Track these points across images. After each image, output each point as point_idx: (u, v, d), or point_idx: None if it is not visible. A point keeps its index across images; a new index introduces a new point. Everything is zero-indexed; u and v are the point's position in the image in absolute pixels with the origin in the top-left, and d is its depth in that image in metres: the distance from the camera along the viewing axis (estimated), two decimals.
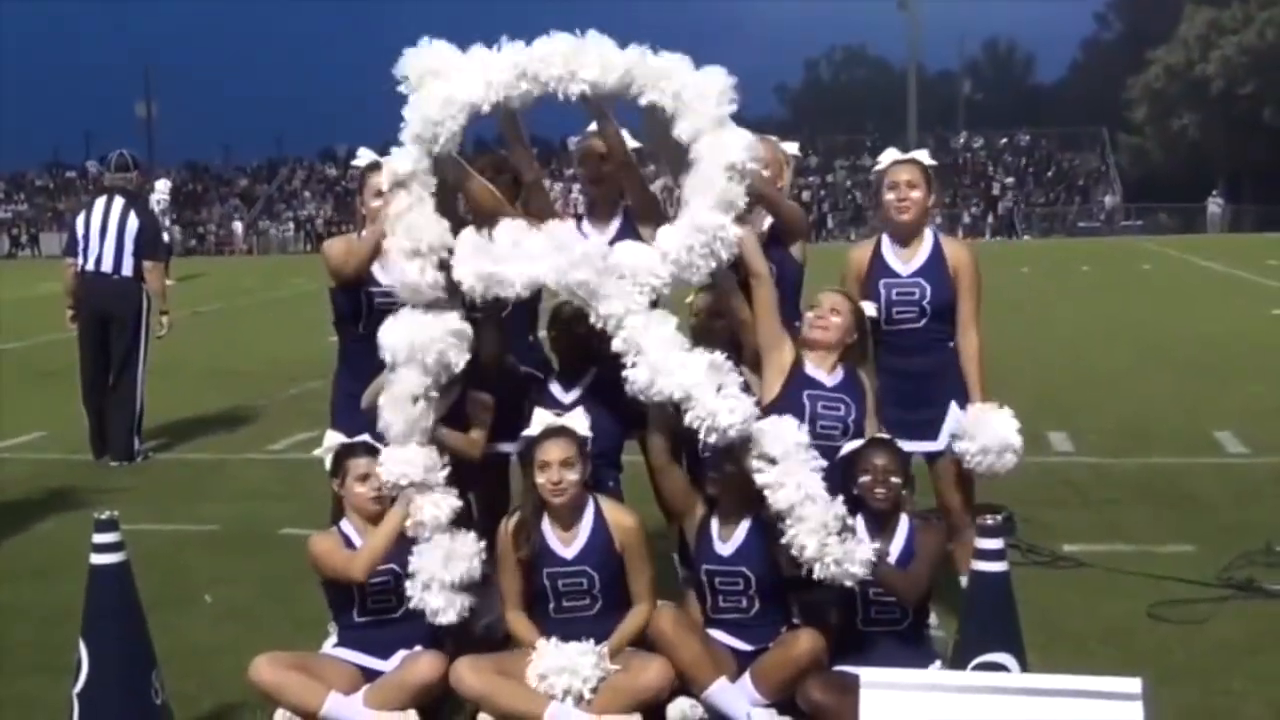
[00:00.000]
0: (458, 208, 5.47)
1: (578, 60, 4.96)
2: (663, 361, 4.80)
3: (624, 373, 4.87)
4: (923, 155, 5.83)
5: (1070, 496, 8.31)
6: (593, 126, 5.58)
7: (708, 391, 4.74)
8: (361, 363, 5.53)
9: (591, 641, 4.86)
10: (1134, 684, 3.66)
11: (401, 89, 5.07)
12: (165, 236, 30.43)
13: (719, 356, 4.83)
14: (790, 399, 5.17)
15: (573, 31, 5.03)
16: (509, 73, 4.99)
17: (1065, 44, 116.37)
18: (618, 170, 5.53)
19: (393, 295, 5.30)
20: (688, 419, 4.77)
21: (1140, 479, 8.83)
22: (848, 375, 5.32)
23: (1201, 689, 5.08)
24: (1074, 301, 21.85)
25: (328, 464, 5.26)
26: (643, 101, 5.04)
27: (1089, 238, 49.35)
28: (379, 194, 5.42)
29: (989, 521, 4.40)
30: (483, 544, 5.08)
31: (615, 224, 5.59)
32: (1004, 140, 64.10)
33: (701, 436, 4.78)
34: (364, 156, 5.73)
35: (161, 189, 32.17)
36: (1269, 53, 60.09)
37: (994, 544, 4.31)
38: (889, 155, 5.81)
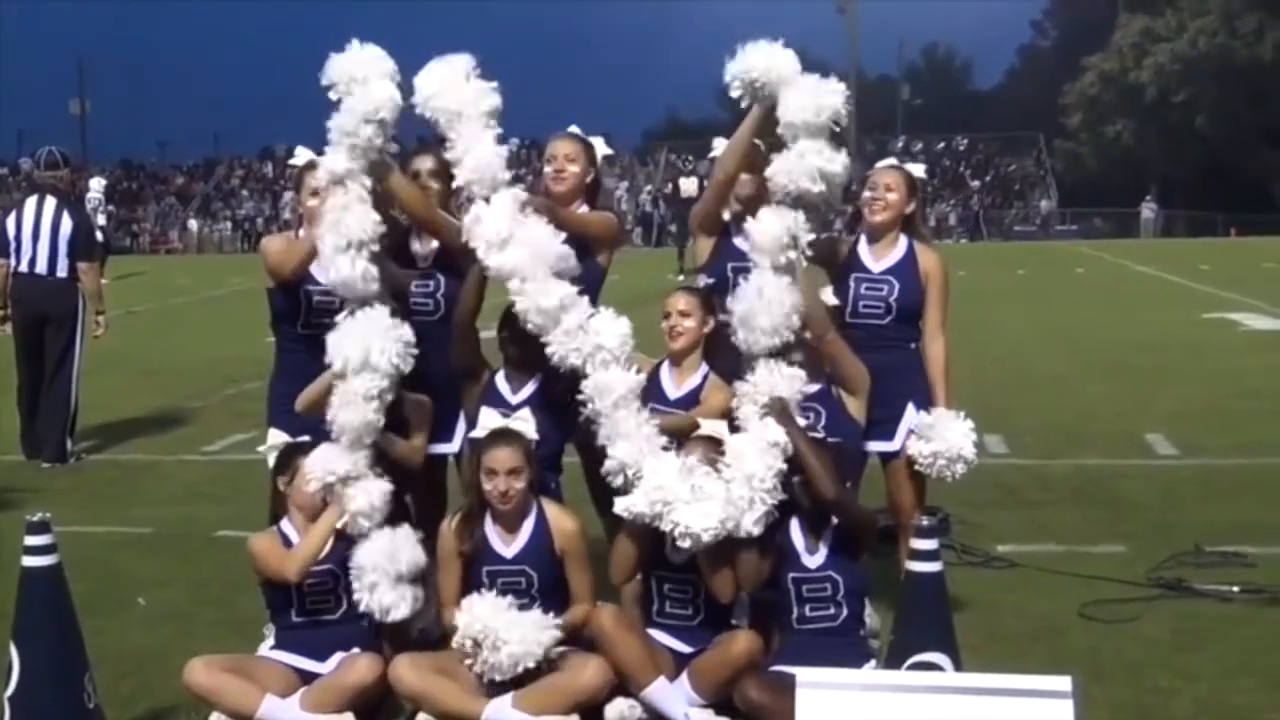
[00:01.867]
0: (393, 207, 5.47)
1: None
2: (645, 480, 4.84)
3: (619, 499, 4.88)
4: (914, 166, 5.96)
5: (1004, 498, 8.40)
6: (573, 128, 5.68)
7: (680, 501, 4.76)
8: (298, 363, 5.52)
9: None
10: (1065, 682, 3.71)
11: (330, 94, 5.14)
12: (100, 235, 30.15)
13: (690, 460, 4.87)
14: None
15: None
16: None
17: (1002, 51, 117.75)
18: (584, 174, 5.61)
19: (332, 294, 5.31)
20: (664, 527, 4.80)
21: (1073, 481, 8.95)
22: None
23: (1131, 686, 5.16)
24: (1010, 305, 22.05)
25: (270, 462, 5.24)
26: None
27: (1025, 242, 49.84)
28: (315, 193, 5.42)
29: (924, 522, 4.46)
30: (421, 533, 5.10)
31: None
32: (942, 145, 64.61)
33: (677, 543, 4.81)
34: (301, 155, 5.71)
35: (96, 187, 31.79)
36: (1201, 61, 60.94)
37: (929, 545, 4.36)
38: (884, 161, 5.99)
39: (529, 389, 5.43)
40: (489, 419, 5.06)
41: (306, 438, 5.18)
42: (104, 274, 28.22)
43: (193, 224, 57.10)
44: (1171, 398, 12.19)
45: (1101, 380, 13.47)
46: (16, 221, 10.10)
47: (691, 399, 5.37)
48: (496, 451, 4.93)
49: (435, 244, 5.64)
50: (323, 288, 5.53)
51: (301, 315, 5.69)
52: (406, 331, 5.11)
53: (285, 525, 5.13)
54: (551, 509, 5.09)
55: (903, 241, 5.82)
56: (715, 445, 4.97)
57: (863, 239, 5.85)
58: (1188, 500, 8.28)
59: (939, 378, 5.77)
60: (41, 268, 10.02)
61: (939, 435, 5.60)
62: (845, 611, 4.93)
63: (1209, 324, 18.72)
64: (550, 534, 5.02)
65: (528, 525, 5.02)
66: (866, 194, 5.84)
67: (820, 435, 5.12)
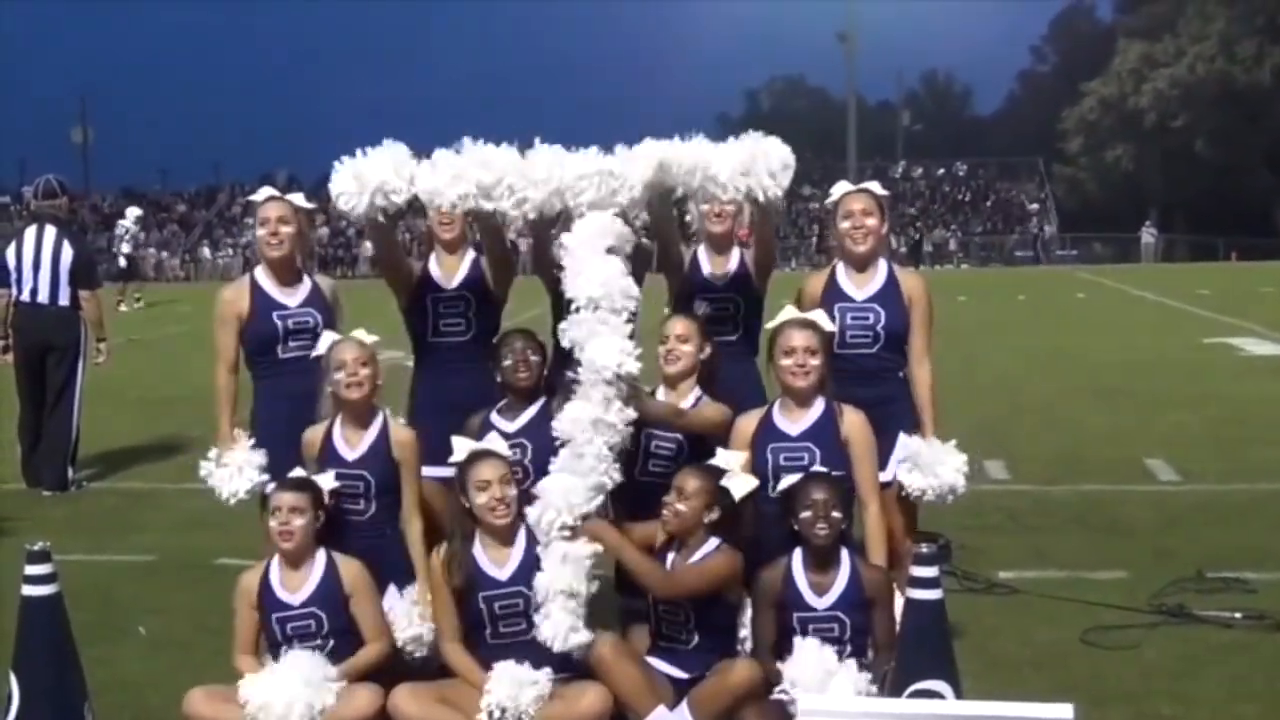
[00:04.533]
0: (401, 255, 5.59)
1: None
2: None
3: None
4: (874, 186, 5.89)
5: (1005, 524, 8.39)
6: None
7: None
8: (282, 386, 5.73)
9: (528, 665, 4.85)
10: (1066, 710, 3.71)
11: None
12: (124, 262, 30.60)
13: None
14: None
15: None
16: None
17: (1002, 76, 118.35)
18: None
19: (306, 315, 5.68)
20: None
21: (1074, 506, 8.93)
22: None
23: (1133, 713, 5.16)
24: (1010, 330, 22.08)
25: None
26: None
27: (1026, 267, 49.94)
28: (264, 224, 5.73)
29: (924, 549, 4.45)
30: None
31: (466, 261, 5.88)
32: (942, 171, 64.78)
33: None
34: (263, 193, 5.89)
35: (131, 216, 32.09)
36: (1200, 86, 61.15)
37: (929, 571, 4.35)
38: (841, 187, 5.89)
39: (525, 417, 5.49)
40: (464, 444, 5.11)
41: (298, 471, 5.22)
42: (136, 298, 28.34)
43: (205, 252, 57.16)
44: (1172, 423, 12.19)
45: (1102, 405, 13.46)
46: (17, 251, 10.13)
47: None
48: (483, 465, 4.98)
49: (462, 268, 5.82)
50: (293, 311, 5.74)
51: (281, 340, 5.77)
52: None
53: (273, 565, 5.15)
54: None
55: (882, 265, 5.78)
56: (712, 474, 4.99)
57: (840, 268, 5.80)
58: (1189, 526, 8.27)
59: (926, 404, 5.71)
60: (43, 297, 10.05)
61: (929, 468, 5.58)
62: (850, 649, 4.90)
63: (1209, 349, 18.72)
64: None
65: (519, 548, 5.04)
66: (844, 224, 5.72)
67: (823, 470, 5.10)
